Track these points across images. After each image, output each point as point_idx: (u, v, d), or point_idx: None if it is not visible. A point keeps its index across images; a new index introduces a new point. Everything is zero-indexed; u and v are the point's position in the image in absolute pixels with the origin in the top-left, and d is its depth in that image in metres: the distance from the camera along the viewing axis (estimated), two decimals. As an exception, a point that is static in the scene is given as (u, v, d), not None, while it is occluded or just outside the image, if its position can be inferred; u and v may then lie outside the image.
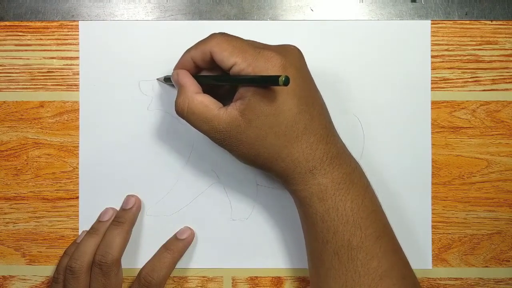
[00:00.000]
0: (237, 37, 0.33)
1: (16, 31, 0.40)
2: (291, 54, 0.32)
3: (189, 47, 0.34)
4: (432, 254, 0.39)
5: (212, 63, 0.33)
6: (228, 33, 0.33)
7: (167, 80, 0.38)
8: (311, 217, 0.33)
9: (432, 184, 0.39)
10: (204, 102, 0.33)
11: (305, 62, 0.33)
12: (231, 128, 0.32)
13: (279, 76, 0.29)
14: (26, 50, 0.40)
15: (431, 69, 0.39)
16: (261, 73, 0.31)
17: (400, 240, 0.39)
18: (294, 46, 0.33)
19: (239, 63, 0.31)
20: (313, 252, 0.34)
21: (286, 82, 0.28)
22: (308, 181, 0.32)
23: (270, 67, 0.31)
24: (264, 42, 0.39)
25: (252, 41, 0.33)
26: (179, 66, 0.35)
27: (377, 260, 0.32)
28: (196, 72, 0.35)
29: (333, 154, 0.32)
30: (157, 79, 0.39)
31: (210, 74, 0.35)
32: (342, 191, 0.32)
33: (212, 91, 0.35)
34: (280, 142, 0.32)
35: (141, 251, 0.39)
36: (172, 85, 0.38)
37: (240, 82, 0.32)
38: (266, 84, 0.31)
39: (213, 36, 0.33)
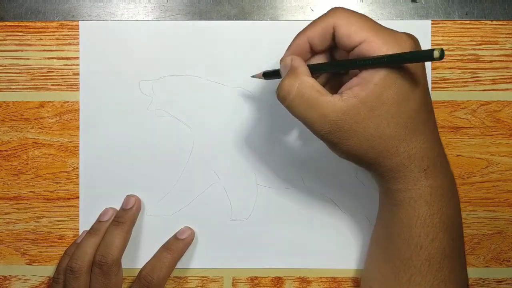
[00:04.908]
0: (362, 14, 0.30)
1: (16, 31, 0.40)
2: (418, 43, 0.30)
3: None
4: (432, 254, 0.39)
5: (330, 43, 0.30)
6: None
7: (266, 75, 0.35)
8: (411, 219, 0.31)
9: (432, 184, 0.39)
10: (315, 87, 0.29)
11: None
12: (348, 117, 0.29)
13: (433, 49, 0.26)
14: (26, 50, 0.40)
15: (431, 69, 0.39)
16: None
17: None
18: (415, 36, 0.31)
19: (372, 40, 0.28)
20: (396, 255, 0.32)
21: (442, 55, 0.26)
22: (419, 181, 0.30)
23: (406, 50, 0.28)
24: (264, 42, 0.39)
25: (376, 21, 0.30)
26: (291, 50, 0.32)
27: (459, 270, 0.32)
28: (307, 60, 0.32)
29: (442, 158, 0.31)
30: (253, 76, 0.37)
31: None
32: (447, 198, 0.31)
33: None
34: (400, 134, 0.29)
35: (141, 251, 0.39)
36: (275, 82, 0.35)
37: (376, 63, 0.28)
38: (416, 60, 0.28)
39: (336, 9, 0.30)
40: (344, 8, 0.30)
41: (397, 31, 0.30)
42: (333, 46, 0.31)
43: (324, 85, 0.33)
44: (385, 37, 0.28)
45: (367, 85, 0.28)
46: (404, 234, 0.31)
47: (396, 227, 0.32)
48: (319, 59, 0.32)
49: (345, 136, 0.29)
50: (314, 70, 0.31)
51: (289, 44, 0.32)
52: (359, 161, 0.31)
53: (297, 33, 0.32)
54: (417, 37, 0.39)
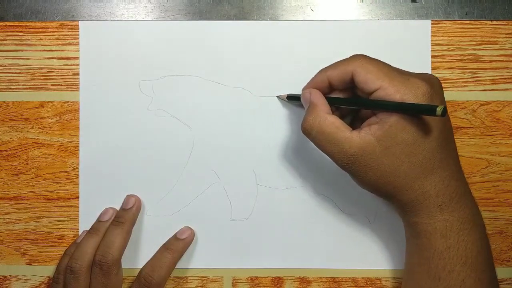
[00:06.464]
0: (380, 60, 0.32)
1: (16, 31, 0.40)
2: (436, 85, 0.32)
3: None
4: (432, 254, 0.39)
5: (348, 85, 0.33)
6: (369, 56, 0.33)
7: (290, 98, 0.38)
8: (428, 251, 0.32)
9: (432, 184, 0.39)
10: (335, 123, 0.32)
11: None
12: (364, 153, 0.31)
13: (436, 106, 0.28)
14: (26, 50, 0.40)
15: (431, 69, 0.39)
16: (409, 100, 0.30)
17: (401, 240, 0.39)
18: (435, 76, 0.33)
19: (386, 88, 0.31)
20: (418, 284, 0.33)
21: (444, 113, 0.28)
22: (434, 216, 0.32)
23: (419, 96, 0.30)
24: (264, 42, 0.39)
25: (393, 66, 0.32)
26: (311, 84, 0.35)
27: None
28: (326, 93, 0.35)
29: (462, 192, 0.32)
30: (278, 96, 0.39)
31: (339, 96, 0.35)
32: (465, 231, 0.32)
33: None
34: (414, 172, 0.31)
35: (141, 251, 0.39)
36: (298, 104, 0.38)
37: (386, 108, 0.31)
38: (419, 113, 0.30)
39: (356, 56, 0.33)
40: (364, 56, 0.32)
41: (413, 76, 0.31)
42: (354, 85, 0.33)
43: (345, 115, 0.36)
44: (398, 85, 0.30)
45: (383, 125, 0.31)
46: (424, 265, 0.32)
47: (417, 257, 0.33)
48: (339, 94, 0.35)
49: (362, 170, 0.32)
50: (333, 103, 0.34)
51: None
52: (377, 193, 0.33)
53: (319, 70, 0.35)
54: (417, 37, 0.39)
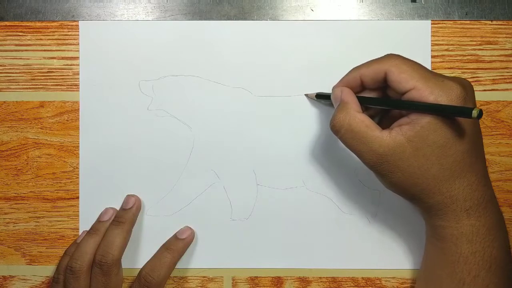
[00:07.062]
0: (414, 61, 0.32)
1: (16, 31, 0.40)
2: (468, 88, 0.32)
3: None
4: (432, 254, 0.39)
5: (380, 84, 0.33)
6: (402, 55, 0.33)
7: (319, 97, 0.38)
8: (453, 255, 0.32)
9: (432, 184, 0.39)
10: (366, 122, 0.32)
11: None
12: (393, 153, 0.31)
13: (472, 108, 0.28)
14: (26, 50, 0.40)
15: (431, 69, 0.39)
16: (443, 102, 0.30)
17: (401, 240, 0.39)
18: (467, 80, 0.33)
19: (420, 88, 0.30)
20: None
21: (480, 116, 0.28)
22: (461, 220, 0.31)
23: (453, 98, 0.30)
24: (264, 42, 0.39)
25: (426, 68, 0.32)
26: (343, 83, 0.35)
27: None
28: (358, 93, 0.35)
29: (488, 198, 0.32)
30: (306, 95, 0.39)
31: (369, 96, 0.35)
32: (491, 237, 0.32)
33: None
34: (443, 175, 0.31)
35: (141, 251, 0.39)
36: (327, 103, 0.38)
37: (419, 109, 0.30)
38: (454, 115, 0.30)
39: (390, 56, 0.33)
40: (398, 56, 0.32)
41: (447, 79, 0.31)
42: (386, 85, 0.33)
43: (374, 115, 0.36)
44: (433, 86, 0.30)
45: (415, 126, 0.31)
46: (447, 269, 0.32)
47: (439, 261, 0.33)
48: (370, 94, 0.34)
49: (390, 170, 0.31)
50: (364, 102, 0.34)
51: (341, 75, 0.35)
52: (404, 195, 0.33)
53: (351, 68, 0.35)
54: (417, 37, 0.39)
